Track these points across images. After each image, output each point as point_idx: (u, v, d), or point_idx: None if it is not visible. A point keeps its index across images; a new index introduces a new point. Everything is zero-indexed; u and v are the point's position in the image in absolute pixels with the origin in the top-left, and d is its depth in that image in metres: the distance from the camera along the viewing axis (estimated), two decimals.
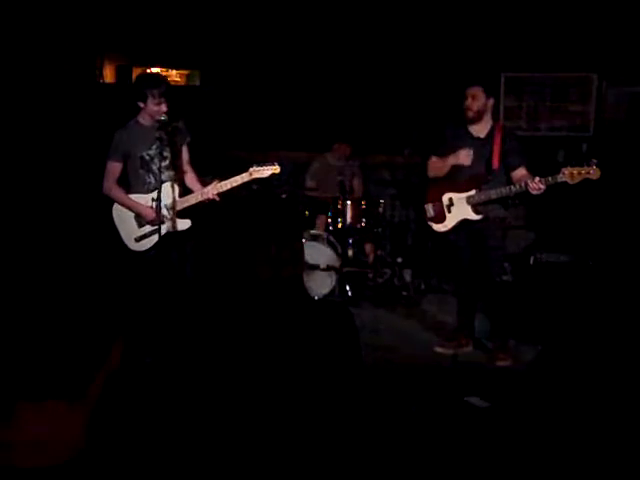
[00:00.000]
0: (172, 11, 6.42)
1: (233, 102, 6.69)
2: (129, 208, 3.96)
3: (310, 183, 6.13)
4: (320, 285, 5.35)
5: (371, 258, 6.07)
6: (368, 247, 6.05)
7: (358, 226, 5.68)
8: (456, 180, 4.20)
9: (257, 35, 6.59)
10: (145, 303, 3.91)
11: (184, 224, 3.98)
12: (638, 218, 5.64)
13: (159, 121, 3.81)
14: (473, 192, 4.13)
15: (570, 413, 3.35)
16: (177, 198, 3.95)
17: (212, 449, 1.69)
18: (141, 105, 3.91)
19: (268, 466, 1.65)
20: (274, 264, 1.81)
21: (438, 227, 4.34)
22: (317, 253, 5.36)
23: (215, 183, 3.95)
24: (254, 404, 1.70)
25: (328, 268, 5.38)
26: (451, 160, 4.19)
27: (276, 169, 3.92)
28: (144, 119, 3.95)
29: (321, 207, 5.90)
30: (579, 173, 3.78)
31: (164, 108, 3.84)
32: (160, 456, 1.72)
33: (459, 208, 4.20)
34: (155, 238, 3.80)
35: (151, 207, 3.81)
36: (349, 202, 5.66)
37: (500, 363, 4.19)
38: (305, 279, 5.26)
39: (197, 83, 7.15)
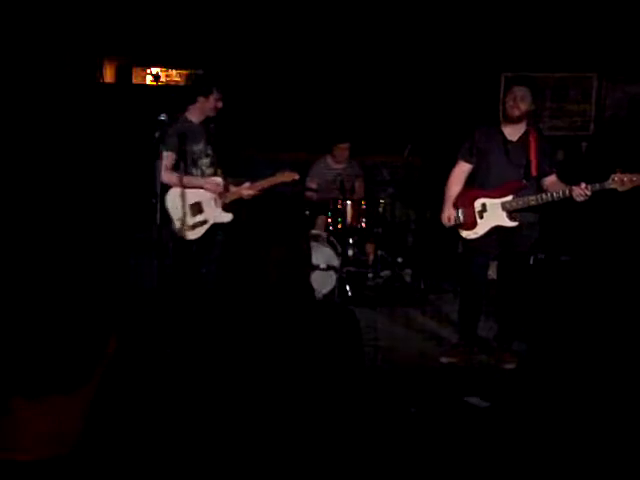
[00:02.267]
0: (172, 11, 6.42)
1: (232, 102, 6.68)
2: (196, 186, 4.10)
3: (311, 184, 6.14)
4: (320, 285, 5.34)
5: (371, 258, 6.07)
6: (368, 247, 6.05)
7: (358, 226, 5.68)
8: (490, 185, 4.01)
9: (258, 35, 6.59)
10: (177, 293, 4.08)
11: (227, 217, 4.25)
12: (637, 218, 5.63)
13: (207, 118, 4.13)
14: (510, 198, 3.93)
15: (570, 412, 3.35)
16: (224, 192, 4.22)
17: (211, 445, 1.69)
18: (200, 99, 4.08)
19: (268, 464, 1.65)
20: (282, 266, 1.80)
21: (468, 234, 4.12)
22: (317, 253, 5.35)
23: (248, 183, 4.34)
24: (255, 400, 1.70)
25: (328, 268, 5.38)
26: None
27: (295, 176, 4.46)
28: (193, 115, 4.12)
29: (321, 207, 5.91)
30: (630, 180, 3.51)
31: (220, 105, 4.13)
32: (160, 447, 1.72)
33: (493, 214, 4.00)
34: (206, 227, 4.14)
35: (217, 183, 4.16)
36: (349, 202, 5.66)
37: (507, 366, 4.10)
38: None
39: None
